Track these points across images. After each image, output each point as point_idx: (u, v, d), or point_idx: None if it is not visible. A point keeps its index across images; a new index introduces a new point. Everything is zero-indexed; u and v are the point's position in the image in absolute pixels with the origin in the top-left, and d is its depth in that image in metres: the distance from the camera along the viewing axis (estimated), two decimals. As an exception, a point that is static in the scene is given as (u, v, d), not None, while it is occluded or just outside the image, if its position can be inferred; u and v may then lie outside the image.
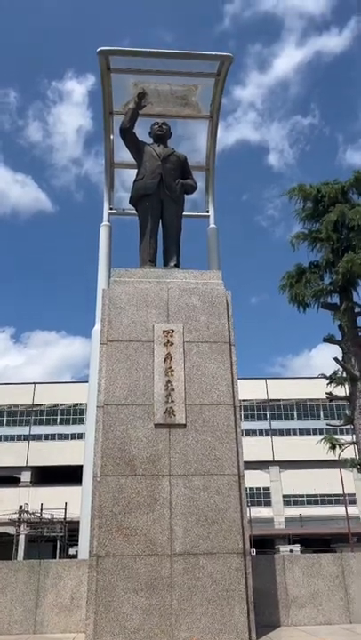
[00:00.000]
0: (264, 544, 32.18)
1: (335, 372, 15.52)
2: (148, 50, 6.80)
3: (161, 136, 6.56)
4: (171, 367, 5.16)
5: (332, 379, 15.48)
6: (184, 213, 6.54)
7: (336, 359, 13.46)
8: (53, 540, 31.29)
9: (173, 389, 5.09)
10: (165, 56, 6.88)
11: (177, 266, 6.09)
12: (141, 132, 6.61)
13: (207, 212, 7.92)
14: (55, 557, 27.83)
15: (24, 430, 38.87)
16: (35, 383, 40.72)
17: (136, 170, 6.47)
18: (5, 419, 39.25)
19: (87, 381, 6.85)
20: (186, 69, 7.08)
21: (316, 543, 30.96)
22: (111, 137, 7.65)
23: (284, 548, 28.44)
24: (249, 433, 36.83)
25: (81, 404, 37.02)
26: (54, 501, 30.63)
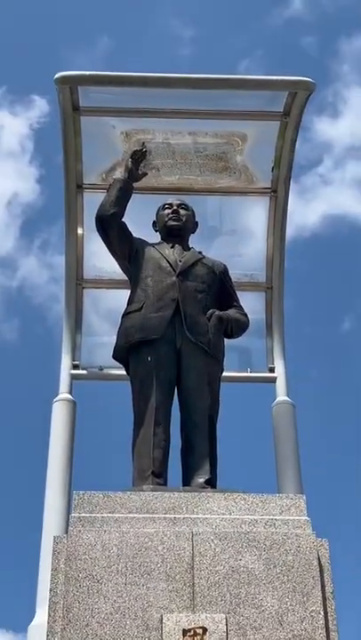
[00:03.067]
0: None
1: None
2: (153, 75, 6.13)
3: (177, 229, 5.87)
4: None
5: None
6: (224, 374, 5.70)
7: None
8: None
9: None
10: (185, 84, 6.18)
11: (211, 484, 5.05)
12: (140, 220, 6.06)
13: (271, 370, 6.91)
14: None
15: None
16: None
17: (128, 293, 5.77)
18: None
19: None
20: (222, 107, 6.45)
21: None
22: (80, 231, 6.89)
23: None
24: None
25: None
26: None
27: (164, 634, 4.00)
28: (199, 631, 4.01)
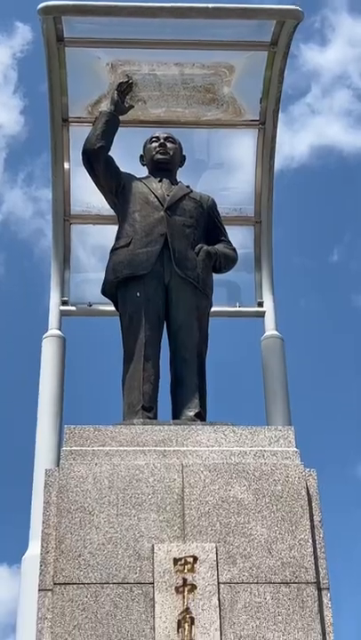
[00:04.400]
0: None
1: None
2: (138, 4, 5.98)
3: (164, 163, 5.80)
4: None
5: None
6: (213, 309, 5.70)
7: None
8: None
9: None
10: (170, 14, 5.98)
11: (200, 417, 5.09)
12: (127, 153, 6.00)
13: (260, 304, 6.85)
14: None
15: None
16: None
17: (116, 228, 5.65)
18: None
19: None
20: (209, 37, 6.33)
21: None
22: (66, 166, 6.77)
23: None
24: None
25: None
26: None
27: (156, 563, 4.06)
28: (190, 560, 4.07)
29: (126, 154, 6.09)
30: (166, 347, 5.50)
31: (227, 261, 5.77)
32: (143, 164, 6.01)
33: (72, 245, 7.04)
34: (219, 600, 4.03)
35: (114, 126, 5.74)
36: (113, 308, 5.71)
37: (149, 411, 5.07)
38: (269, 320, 6.85)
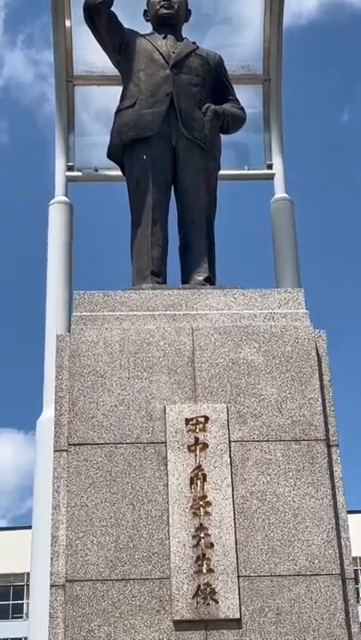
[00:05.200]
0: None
1: None
2: None
3: (169, 18, 5.59)
4: (205, 497, 4.06)
5: None
6: (221, 172, 5.61)
7: None
8: None
9: (212, 545, 3.99)
10: None
11: (210, 281, 5.11)
12: (131, 11, 5.84)
13: (269, 166, 6.76)
14: None
15: None
16: None
17: (121, 89, 5.51)
18: None
19: (29, 527, 5.88)
20: None
21: None
22: (67, 23, 6.59)
23: None
24: None
25: (15, 576, 30.59)
26: None
27: (168, 423, 4.18)
28: (201, 420, 4.17)
29: (130, 11, 5.89)
30: (174, 211, 5.46)
31: (235, 121, 5.64)
32: (147, 20, 5.81)
33: (76, 109, 6.97)
34: (230, 457, 4.15)
35: None
36: (120, 173, 5.65)
37: (158, 275, 5.08)
38: (279, 182, 6.84)
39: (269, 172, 6.91)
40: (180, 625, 3.89)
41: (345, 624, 3.95)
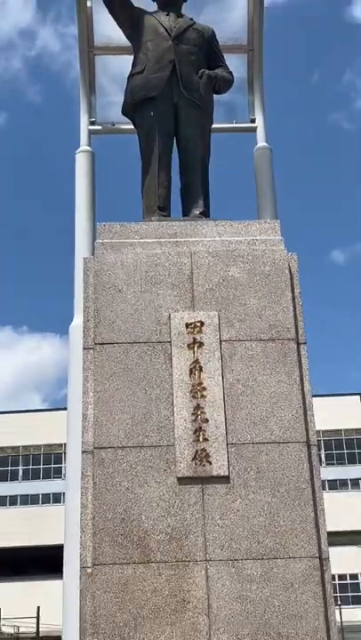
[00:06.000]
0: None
1: None
2: None
3: None
4: (201, 383, 4.55)
5: None
6: (214, 126, 5.96)
7: None
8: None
9: (207, 420, 4.49)
10: None
11: (205, 215, 5.49)
12: None
13: (252, 120, 7.23)
14: None
15: None
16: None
17: (132, 57, 5.83)
18: None
19: (65, 408, 6.39)
20: None
21: None
22: (88, 4, 6.86)
23: None
24: (337, 485, 30.06)
25: (57, 445, 32.34)
26: (19, 605, 24.65)
27: (172, 327, 4.60)
28: (198, 324, 4.61)
29: None
30: (176, 157, 5.70)
31: (225, 83, 5.84)
32: (153, 0, 5.95)
33: (96, 74, 7.16)
34: (221, 353, 4.56)
35: None
36: (132, 127, 5.88)
37: (164, 210, 5.37)
38: (260, 134, 7.09)
39: (253, 125, 7.13)
40: (182, 480, 4.30)
41: (309, 479, 4.37)
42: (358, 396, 29.73)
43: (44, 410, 34.54)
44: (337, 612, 4.51)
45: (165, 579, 4.12)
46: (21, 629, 22.78)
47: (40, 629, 21.25)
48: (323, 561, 4.24)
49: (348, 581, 27.34)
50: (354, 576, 27.11)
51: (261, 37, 7.19)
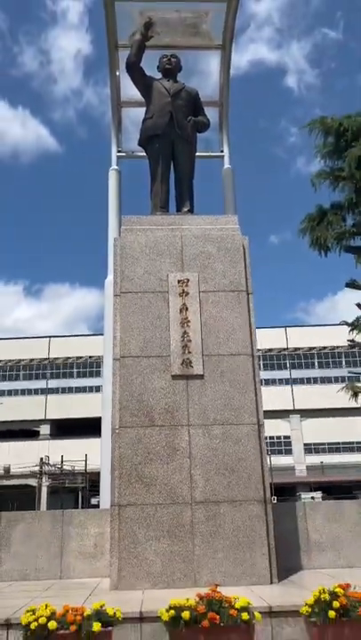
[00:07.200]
0: (286, 492, 32.45)
1: (358, 319, 14.88)
2: None
3: (170, 70, 6.37)
4: (187, 318, 5.20)
5: (355, 325, 14.84)
6: (197, 154, 6.45)
7: (359, 305, 13.11)
8: (75, 491, 31.90)
9: (190, 340, 5.15)
10: None
11: (190, 211, 6.04)
12: (150, 66, 6.41)
13: (221, 151, 7.87)
14: (77, 507, 28.63)
15: (41, 384, 39.32)
16: (50, 337, 40.82)
17: (144, 108, 6.37)
18: (22, 373, 39.85)
19: (103, 334, 6.89)
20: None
21: (338, 490, 31.25)
22: (117, 73, 7.52)
23: (306, 496, 28.92)
24: (269, 382, 36.01)
25: (97, 356, 36.88)
26: (74, 453, 30.97)
27: (169, 282, 5.27)
28: (185, 281, 5.35)
29: (150, 65, 6.68)
30: (172, 174, 6.23)
31: (204, 126, 6.42)
32: (158, 71, 6.57)
33: (122, 119, 7.89)
34: (199, 299, 5.28)
35: (142, 48, 6.24)
36: (144, 154, 6.50)
37: (164, 208, 5.97)
38: (226, 159, 7.91)
39: (221, 153, 7.89)
40: (175, 377, 5.09)
41: (252, 377, 5.12)
42: (282, 329, 39.44)
43: (89, 334, 40.65)
44: (267, 458, 5.36)
45: (164, 436, 4.85)
46: (76, 468, 29.70)
47: (87, 467, 27.89)
48: (260, 427, 4.95)
49: (275, 440, 36.02)
50: (278, 437, 35.34)
51: (228, 96, 7.95)
